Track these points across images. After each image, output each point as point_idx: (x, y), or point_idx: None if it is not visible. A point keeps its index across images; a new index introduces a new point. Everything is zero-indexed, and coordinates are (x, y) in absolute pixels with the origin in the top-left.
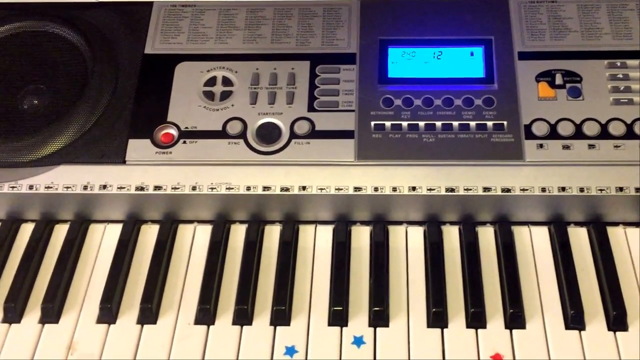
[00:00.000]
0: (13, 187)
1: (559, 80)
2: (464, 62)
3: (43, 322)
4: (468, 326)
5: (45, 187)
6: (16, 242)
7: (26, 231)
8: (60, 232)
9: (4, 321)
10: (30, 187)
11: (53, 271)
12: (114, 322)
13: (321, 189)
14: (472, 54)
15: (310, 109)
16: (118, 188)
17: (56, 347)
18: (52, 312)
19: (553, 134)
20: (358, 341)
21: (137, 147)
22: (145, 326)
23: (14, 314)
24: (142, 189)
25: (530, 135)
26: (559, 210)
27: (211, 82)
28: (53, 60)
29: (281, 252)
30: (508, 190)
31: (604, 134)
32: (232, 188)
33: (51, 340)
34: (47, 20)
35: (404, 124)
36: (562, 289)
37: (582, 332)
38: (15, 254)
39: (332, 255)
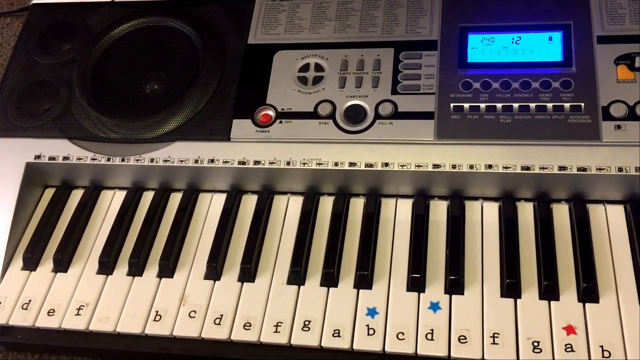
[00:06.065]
0: (137, 160)
1: (638, 63)
2: (542, 46)
3: (160, 277)
4: (541, 298)
5: (164, 161)
6: (139, 208)
7: (147, 198)
8: (174, 200)
9: (128, 274)
10: (151, 160)
11: (168, 233)
12: (219, 279)
13: (402, 166)
14: (550, 38)
15: (394, 92)
16: (223, 162)
17: (171, 299)
18: (167, 268)
19: (632, 116)
20: (434, 306)
21: (240, 127)
22: (244, 284)
23: (137, 268)
24: (243, 163)
25: (608, 117)
26: (635, 190)
27: (305, 68)
28: (171, 50)
29: (365, 222)
30: (584, 169)
31: None
32: (322, 164)
33: (167, 292)
34: (167, 16)
35: (482, 105)
36: (637, 266)
37: None
38: (137, 217)
39: (411, 226)
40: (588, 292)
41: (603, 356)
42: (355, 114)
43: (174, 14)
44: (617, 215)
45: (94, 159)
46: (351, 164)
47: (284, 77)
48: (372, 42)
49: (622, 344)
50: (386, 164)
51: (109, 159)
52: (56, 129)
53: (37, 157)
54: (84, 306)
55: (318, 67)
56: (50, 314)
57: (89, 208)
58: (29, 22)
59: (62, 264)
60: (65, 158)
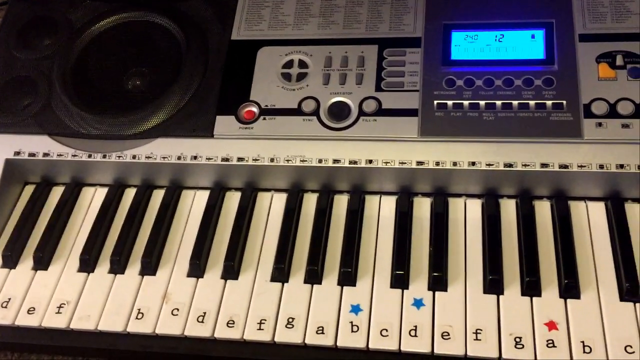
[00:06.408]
0: (119, 157)
1: (619, 61)
2: (525, 44)
3: (142, 274)
4: (523, 294)
5: (146, 157)
6: (121, 205)
7: (129, 195)
8: (157, 197)
9: (110, 272)
10: (133, 157)
11: (151, 230)
12: (202, 277)
13: (386, 163)
14: (533, 36)
15: (378, 89)
16: (207, 159)
17: (153, 296)
18: (150, 266)
19: (612, 113)
20: (418, 303)
21: (224, 123)
22: (228, 281)
23: (119, 266)
24: (227, 160)
25: (589, 114)
26: (616, 187)
27: (289, 64)
28: (153, 46)
29: (348, 219)
30: (566, 166)
31: None
32: (306, 160)
33: (149, 290)
34: (150, 11)
35: (465, 103)
36: (617, 263)
37: (637, 304)
38: (119, 214)
39: (395, 223)
40: (569, 288)
41: (584, 352)
42: (339, 111)
43: (156, 9)
44: (598, 212)
45: (74, 156)
46: (335, 161)
47: (267, 74)
48: (356, 38)
49: (602, 339)
50: (370, 161)
51: (90, 156)
52: (36, 125)
53: (17, 153)
54: (64, 304)
55: (302, 64)
56: (30, 312)
57: (69, 205)
58: (8, 16)
59: (42, 261)
60: (45, 154)
